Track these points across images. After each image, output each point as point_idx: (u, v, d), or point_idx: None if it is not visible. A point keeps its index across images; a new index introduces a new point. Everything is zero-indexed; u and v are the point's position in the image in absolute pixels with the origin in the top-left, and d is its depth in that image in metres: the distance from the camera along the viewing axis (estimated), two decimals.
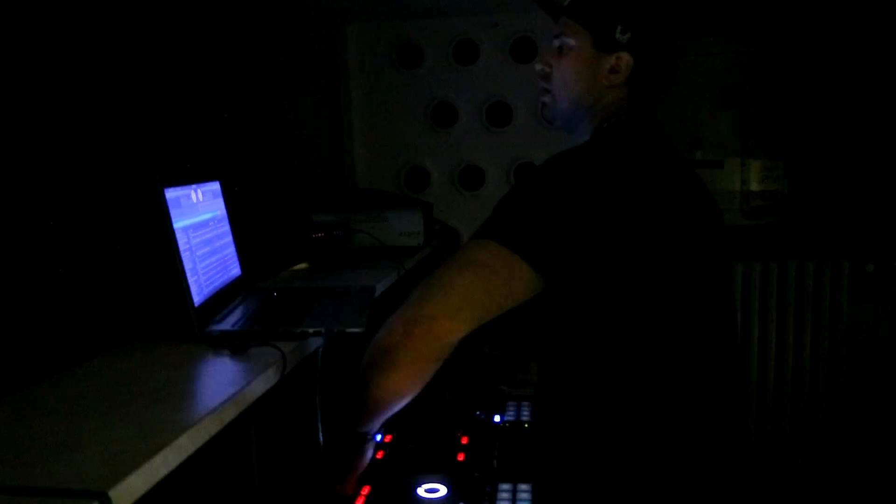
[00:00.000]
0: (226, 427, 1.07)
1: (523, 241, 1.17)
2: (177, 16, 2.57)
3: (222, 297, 1.61)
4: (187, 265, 1.42)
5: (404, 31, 3.19)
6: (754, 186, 3.11)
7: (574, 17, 1.38)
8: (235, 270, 1.77)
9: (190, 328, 1.39)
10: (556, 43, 1.42)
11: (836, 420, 3.05)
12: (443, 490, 1.51)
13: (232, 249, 1.78)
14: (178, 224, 1.42)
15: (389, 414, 1.28)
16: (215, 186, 1.74)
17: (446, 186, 3.27)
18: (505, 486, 1.55)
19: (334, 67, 3.21)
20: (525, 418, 1.94)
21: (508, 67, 3.15)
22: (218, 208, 1.73)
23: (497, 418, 1.93)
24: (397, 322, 1.17)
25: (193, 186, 1.57)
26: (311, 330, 1.42)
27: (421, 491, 1.51)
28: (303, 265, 2.29)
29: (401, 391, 1.21)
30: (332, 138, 3.26)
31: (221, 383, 1.18)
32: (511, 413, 1.97)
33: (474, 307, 1.17)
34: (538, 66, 1.46)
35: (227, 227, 1.76)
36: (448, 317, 1.15)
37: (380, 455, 1.74)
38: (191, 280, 1.42)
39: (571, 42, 1.38)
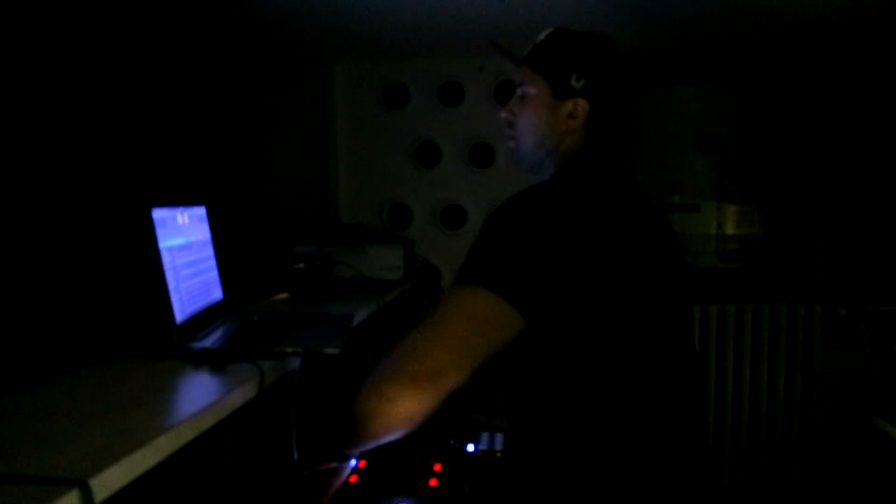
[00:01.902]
0: (203, 435, 1.10)
1: (510, 286, 1.21)
2: (170, 48, 2.64)
3: (203, 319, 1.64)
4: (170, 283, 1.45)
5: (391, 72, 3.28)
6: (730, 230, 3.17)
7: (533, 66, 1.49)
8: (217, 294, 1.80)
9: (171, 344, 1.42)
10: (519, 92, 1.52)
11: (809, 461, 3.09)
12: None
13: (215, 273, 1.81)
14: (164, 244, 1.46)
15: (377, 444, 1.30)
16: (201, 211, 1.78)
17: (428, 224, 3.32)
18: None
19: (322, 105, 3.29)
20: (498, 448, 1.96)
21: (492, 110, 3.24)
22: (203, 232, 1.77)
23: (471, 447, 1.96)
24: (404, 375, 1.18)
25: (180, 209, 1.61)
26: (289, 349, 1.45)
27: None
28: (283, 295, 2.33)
29: (398, 431, 1.22)
30: (317, 173, 3.32)
31: (200, 394, 1.22)
32: (485, 442, 2.00)
33: (476, 357, 1.20)
34: (503, 115, 1.56)
35: (210, 252, 1.80)
36: (456, 370, 1.18)
37: (353, 479, 1.76)
38: (173, 298, 1.46)
39: (531, 90, 1.48)
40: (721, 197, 3.16)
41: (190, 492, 1.13)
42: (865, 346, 2.97)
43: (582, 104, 1.44)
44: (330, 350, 1.49)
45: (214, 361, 1.37)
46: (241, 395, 1.24)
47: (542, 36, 1.51)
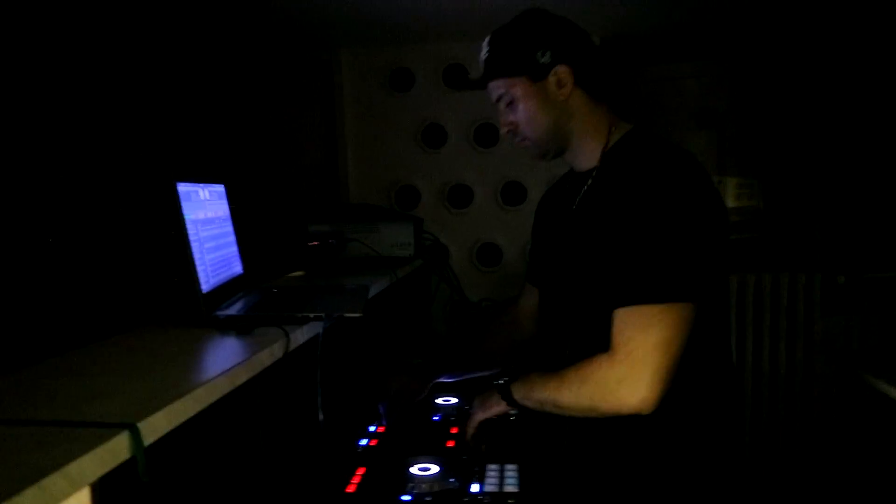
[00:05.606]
0: (236, 390, 1.16)
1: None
2: (185, 38, 2.70)
3: (225, 291, 1.70)
4: (196, 255, 1.51)
5: (396, 56, 3.33)
6: (731, 203, 3.24)
7: (501, 75, 1.57)
8: (238, 269, 1.86)
9: (198, 312, 1.48)
10: (502, 105, 1.59)
11: (809, 427, 3.15)
12: (434, 469, 1.61)
13: (234, 249, 1.87)
14: (189, 216, 1.53)
15: None
16: (220, 189, 1.85)
17: (435, 205, 3.38)
18: (493, 467, 1.65)
19: (329, 89, 3.35)
20: (513, 412, 2.03)
21: None
22: (223, 209, 1.83)
23: None
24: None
25: (201, 185, 1.68)
26: (311, 315, 1.51)
27: (414, 469, 1.61)
28: (298, 273, 2.39)
29: None
30: (326, 157, 3.38)
31: (231, 354, 1.28)
32: None
33: None
34: (504, 130, 1.63)
35: (230, 228, 1.86)
36: None
37: (373, 443, 1.83)
38: (199, 268, 1.52)
39: (515, 92, 1.55)
40: (721, 171, 3.23)
41: (225, 442, 1.20)
42: (864, 312, 3.03)
43: (562, 70, 1.52)
44: (352, 314, 1.55)
45: (241, 327, 1.43)
46: (269, 355, 1.30)
47: (485, 50, 1.59)
